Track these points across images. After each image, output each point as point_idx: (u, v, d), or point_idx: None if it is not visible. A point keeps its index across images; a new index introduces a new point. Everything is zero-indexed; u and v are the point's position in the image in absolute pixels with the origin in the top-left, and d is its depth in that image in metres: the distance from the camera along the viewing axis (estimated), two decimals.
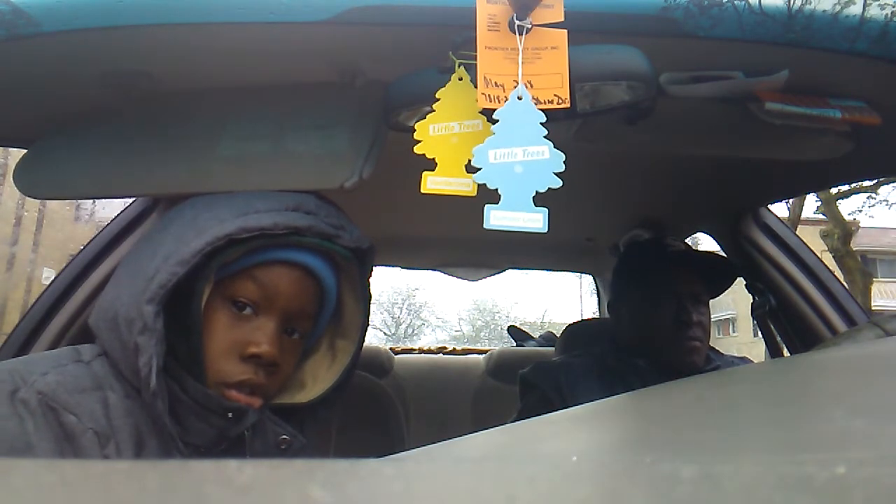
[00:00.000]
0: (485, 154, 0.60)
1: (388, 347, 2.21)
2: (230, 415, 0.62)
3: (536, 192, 0.59)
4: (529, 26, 0.60)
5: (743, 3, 0.64)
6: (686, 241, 1.53)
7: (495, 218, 0.59)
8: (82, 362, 0.63)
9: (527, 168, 0.60)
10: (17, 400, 0.56)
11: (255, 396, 0.65)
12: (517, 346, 2.47)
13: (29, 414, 0.55)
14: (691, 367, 1.18)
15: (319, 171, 0.71)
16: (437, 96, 0.66)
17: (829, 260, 7.99)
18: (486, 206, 0.59)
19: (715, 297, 1.27)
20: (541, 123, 0.60)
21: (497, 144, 0.60)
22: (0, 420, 0.55)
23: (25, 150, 0.80)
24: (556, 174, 0.60)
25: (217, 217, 0.64)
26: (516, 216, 0.59)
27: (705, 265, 1.25)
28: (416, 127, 0.67)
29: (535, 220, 0.59)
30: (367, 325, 0.76)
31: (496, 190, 0.60)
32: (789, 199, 6.96)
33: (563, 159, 0.60)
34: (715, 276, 1.25)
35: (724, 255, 1.33)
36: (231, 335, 0.64)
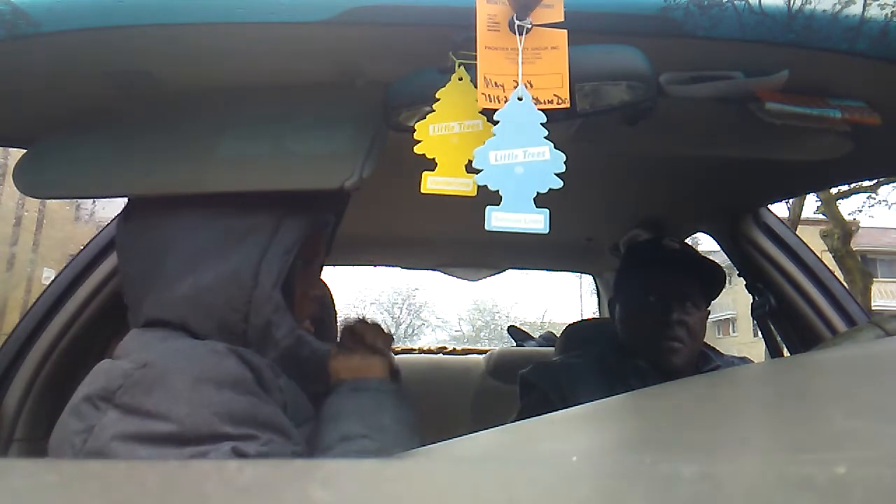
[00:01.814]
0: (486, 155, 0.60)
1: None
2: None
3: (537, 192, 0.59)
4: (529, 26, 0.60)
5: (743, 3, 0.64)
6: (685, 241, 1.53)
7: (497, 219, 0.59)
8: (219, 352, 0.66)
9: (527, 169, 0.60)
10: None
11: None
12: (517, 346, 2.47)
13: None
14: (672, 368, 1.18)
15: (319, 171, 0.71)
16: (437, 96, 0.66)
17: (829, 260, 7.99)
18: (488, 207, 0.59)
19: (709, 300, 1.26)
20: (541, 124, 0.60)
21: (498, 146, 0.60)
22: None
23: (25, 150, 0.80)
24: (556, 175, 0.60)
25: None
26: (518, 217, 0.59)
27: (693, 266, 1.25)
28: (416, 127, 0.67)
29: (537, 221, 0.59)
30: None
31: (497, 191, 0.60)
32: (789, 199, 6.97)
33: (564, 160, 0.60)
34: (706, 278, 1.25)
35: (713, 260, 1.32)
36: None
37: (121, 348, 0.67)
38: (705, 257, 1.31)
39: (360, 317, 0.84)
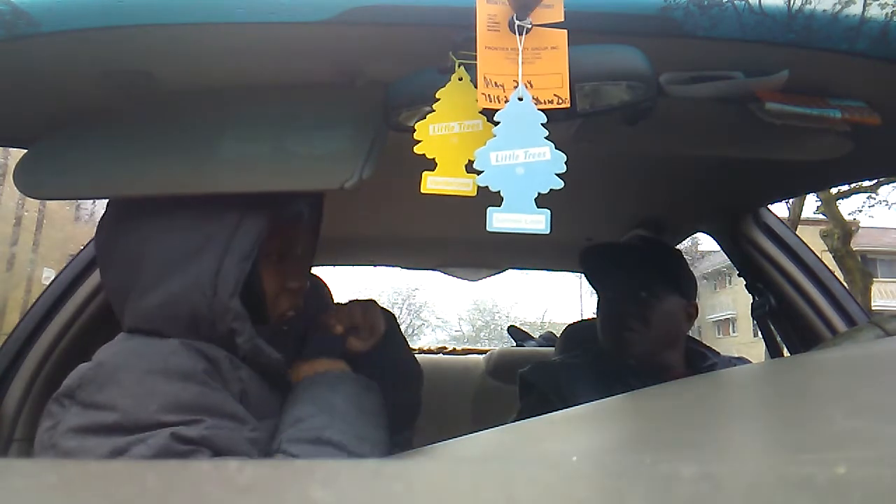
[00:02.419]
0: (487, 156, 0.60)
1: None
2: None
3: (538, 193, 0.59)
4: (529, 26, 0.60)
5: (743, 3, 0.64)
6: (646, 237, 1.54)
7: (498, 220, 0.59)
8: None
9: (528, 169, 0.60)
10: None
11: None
12: (517, 346, 2.47)
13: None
14: (633, 359, 1.21)
15: (319, 172, 0.71)
16: (437, 96, 0.66)
17: (829, 260, 7.99)
18: (489, 208, 0.59)
19: (676, 287, 1.26)
20: (542, 124, 0.60)
21: (499, 146, 0.60)
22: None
23: (25, 150, 0.80)
24: (557, 175, 0.60)
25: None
26: (518, 218, 0.59)
27: (643, 257, 1.28)
28: (416, 127, 0.67)
29: (538, 222, 0.59)
30: None
31: (498, 192, 0.60)
32: (789, 199, 6.97)
33: (565, 160, 0.60)
34: (657, 266, 1.26)
35: (666, 245, 1.36)
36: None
37: (96, 353, 0.70)
38: (658, 244, 1.34)
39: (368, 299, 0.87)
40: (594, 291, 1.35)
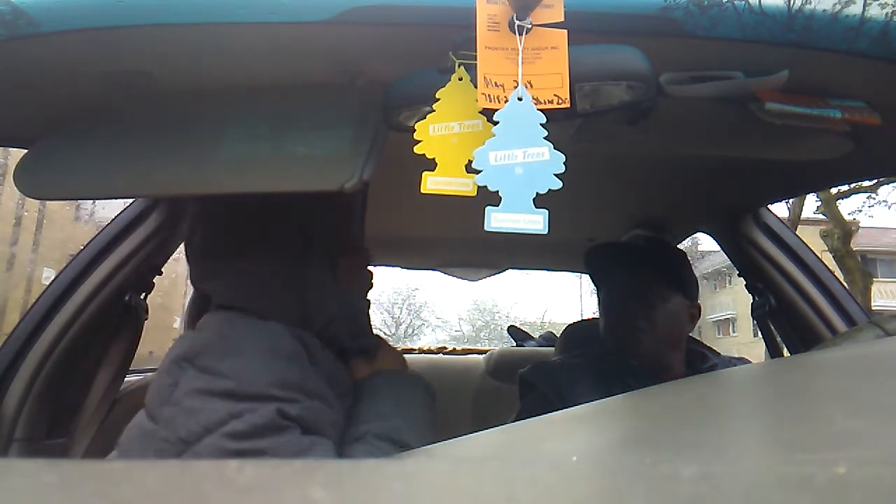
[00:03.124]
0: (485, 156, 0.60)
1: None
2: None
3: (537, 193, 0.59)
4: (529, 26, 0.60)
5: (743, 3, 0.64)
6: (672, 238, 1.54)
7: (496, 220, 0.59)
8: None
9: (527, 169, 0.60)
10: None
11: None
12: (517, 346, 2.47)
13: None
14: (639, 359, 1.20)
15: (319, 173, 0.71)
16: (437, 96, 0.66)
17: (829, 260, 7.99)
18: (487, 208, 0.59)
19: (680, 289, 1.26)
20: (541, 125, 0.60)
21: (498, 146, 0.60)
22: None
23: (25, 150, 0.80)
24: (556, 175, 0.60)
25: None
26: (517, 218, 0.59)
27: (650, 257, 1.27)
28: (416, 127, 0.67)
29: (536, 222, 0.59)
30: None
31: (497, 192, 0.60)
32: (789, 199, 6.97)
33: (564, 160, 0.60)
34: (662, 267, 1.26)
35: (671, 246, 1.35)
36: None
37: (202, 323, 0.80)
38: (663, 245, 1.33)
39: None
40: (598, 291, 1.34)
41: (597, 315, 1.35)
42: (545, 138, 0.60)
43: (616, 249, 1.38)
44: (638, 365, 1.20)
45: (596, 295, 1.35)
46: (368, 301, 0.95)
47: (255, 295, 0.81)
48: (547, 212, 0.59)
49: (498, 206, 0.59)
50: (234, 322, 0.78)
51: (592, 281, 1.37)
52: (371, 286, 0.94)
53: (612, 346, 1.26)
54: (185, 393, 0.70)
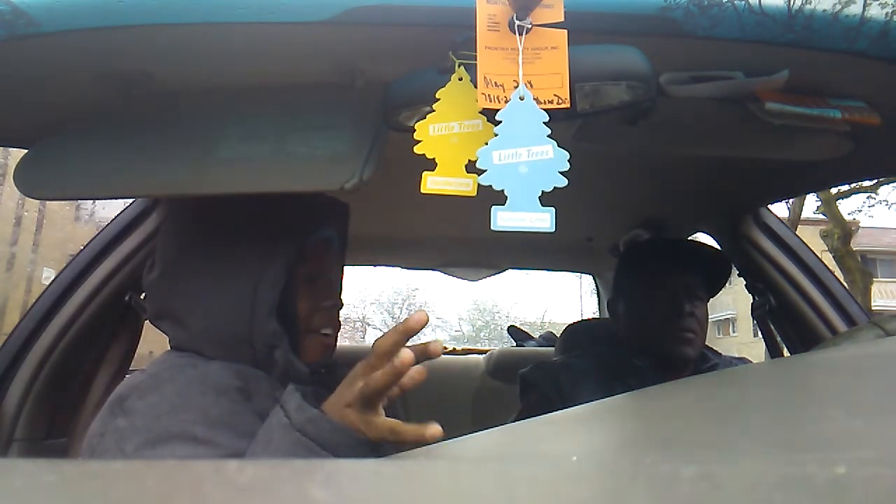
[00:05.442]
0: (489, 155, 0.60)
1: None
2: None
3: (542, 191, 0.59)
4: (529, 26, 0.60)
5: (743, 3, 0.64)
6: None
7: (502, 219, 0.59)
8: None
9: (532, 168, 0.60)
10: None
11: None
12: (517, 346, 2.47)
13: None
14: (684, 360, 1.19)
15: (319, 173, 0.71)
16: (437, 96, 0.66)
17: (829, 260, 7.99)
18: (493, 207, 0.59)
19: (714, 292, 1.27)
20: (544, 123, 0.60)
21: (501, 145, 0.60)
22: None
23: (25, 150, 0.80)
24: (561, 173, 0.60)
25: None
26: (523, 216, 0.59)
27: (699, 258, 1.26)
28: (416, 127, 0.67)
29: (543, 220, 0.59)
30: None
31: (502, 191, 0.60)
32: (789, 199, 6.97)
33: (568, 158, 0.60)
34: (710, 270, 1.26)
35: (718, 251, 1.33)
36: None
37: (148, 363, 0.79)
38: (710, 249, 1.32)
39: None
40: (630, 289, 1.29)
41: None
42: (548, 136, 0.60)
43: (667, 246, 1.34)
44: (675, 368, 1.19)
45: (620, 293, 1.32)
46: (338, 325, 0.85)
47: (203, 342, 0.78)
48: (553, 209, 0.59)
49: (504, 205, 0.59)
50: (173, 362, 0.76)
51: (623, 277, 1.32)
52: (338, 326, 0.85)
53: (646, 346, 1.22)
54: (105, 437, 0.69)
